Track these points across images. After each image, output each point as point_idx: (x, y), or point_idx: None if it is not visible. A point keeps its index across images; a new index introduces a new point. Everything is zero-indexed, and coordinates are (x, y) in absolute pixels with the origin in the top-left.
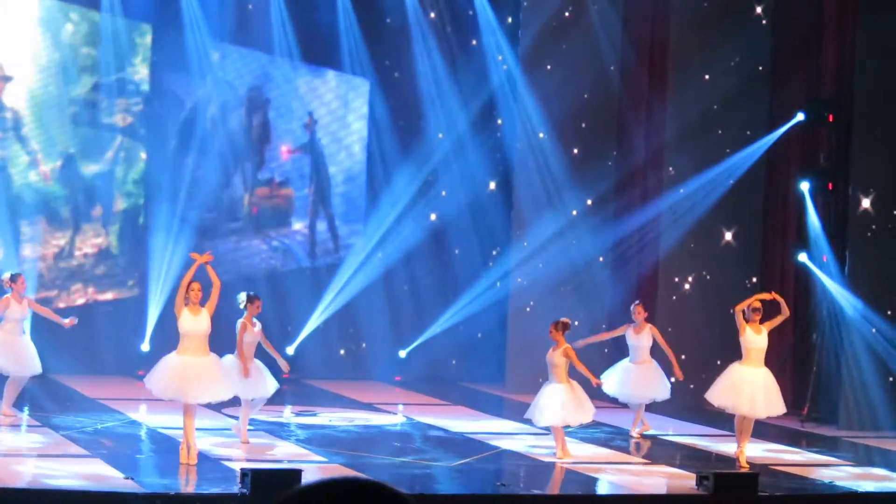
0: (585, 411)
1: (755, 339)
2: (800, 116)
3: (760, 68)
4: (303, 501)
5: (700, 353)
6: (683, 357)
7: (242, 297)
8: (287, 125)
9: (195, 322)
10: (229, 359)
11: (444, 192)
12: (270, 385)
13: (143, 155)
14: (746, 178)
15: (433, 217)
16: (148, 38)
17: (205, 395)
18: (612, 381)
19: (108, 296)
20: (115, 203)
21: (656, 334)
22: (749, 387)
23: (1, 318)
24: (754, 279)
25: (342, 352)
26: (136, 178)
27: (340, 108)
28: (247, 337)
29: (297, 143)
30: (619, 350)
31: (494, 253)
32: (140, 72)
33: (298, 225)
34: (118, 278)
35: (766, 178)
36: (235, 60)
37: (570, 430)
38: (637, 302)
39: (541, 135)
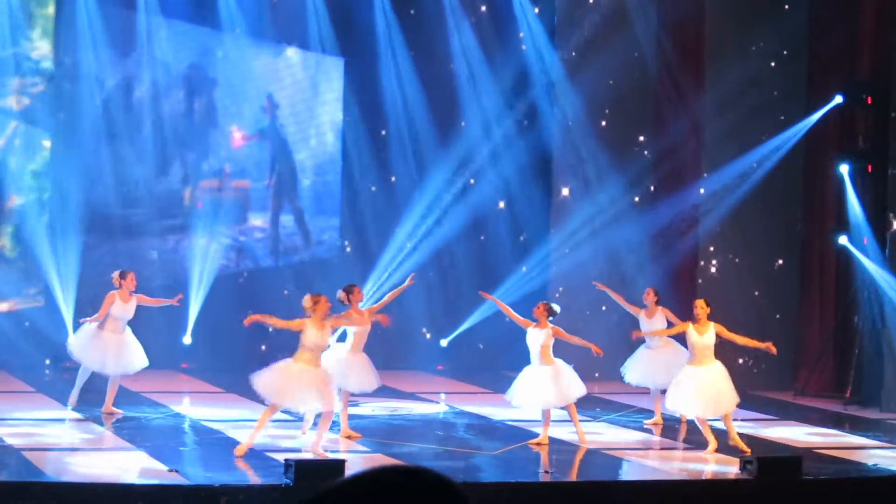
0: (573, 390)
1: (698, 338)
2: (838, 99)
3: (797, 52)
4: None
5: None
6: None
7: (341, 294)
8: (239, 108)
9: (320, 336)
10: (339, 351)
11: (472, 181)
12: (371, 380)
13: (47, 143)
14: (784, 162)
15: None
16: (50, 9)
17: (302, 404)
18: (635, 370)
19: (3, 307)
20: (8, 199)
21: (670, 316)
22: (702, 388)
23: (105, 316)
24: (780, 261)
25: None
26: (36, 170)
27: (308, 91)
28: (356, 327)
29: (254, 128)
30: (622, 334)
31: (521, 239)
32: (39, 47)
33: (257, 220)
34: (15, 286)
35: (805, 161)
36: (168, 34)
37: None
38: (650, 286)
39: (610, 124)
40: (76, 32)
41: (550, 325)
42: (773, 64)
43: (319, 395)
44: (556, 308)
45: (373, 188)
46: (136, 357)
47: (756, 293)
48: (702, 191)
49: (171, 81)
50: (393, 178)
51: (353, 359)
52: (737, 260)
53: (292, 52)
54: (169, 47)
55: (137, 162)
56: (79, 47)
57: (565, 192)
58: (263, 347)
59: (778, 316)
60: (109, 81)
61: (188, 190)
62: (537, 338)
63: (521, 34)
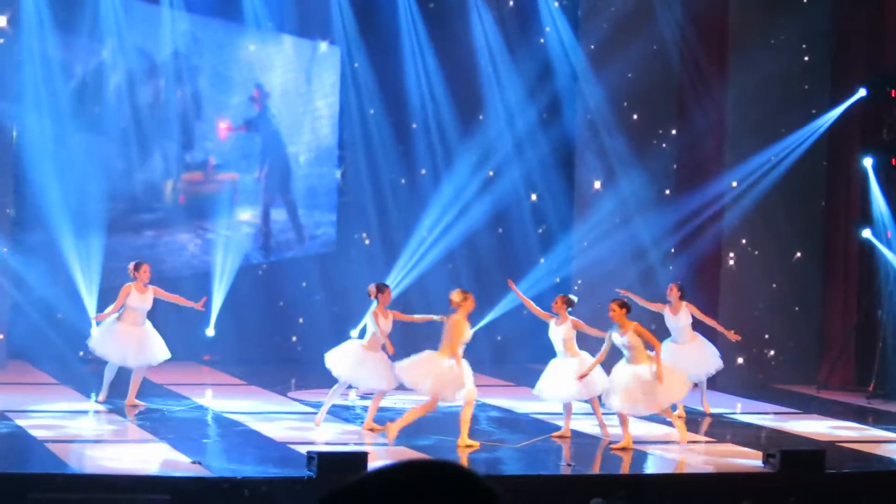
0: (597, 384)
1: (620, 338)
2: (861, 92)
3: (821, 44)
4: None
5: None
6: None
7: (372, 288)
8: (226, 98)
9: (385, 324)
10: (354, 344)
11: (490, 174)
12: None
13: (12, 134)
14: (807, 156)
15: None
16: None
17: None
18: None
19: None
20: None
21: (694, 311)
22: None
23: (122, 307)
24: (798, 254)
25: None
26: None
27: (302, 80)
28: (381, 325)
29: (241, 119)
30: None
31: (540, 231)
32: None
33: (246, 214)
34: None
35: (829, 154)
36: (146, 21)
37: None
38: (674, 282)
39: (634, 116)
40: (41, 15)
41: (571, 318)
42: (796, 56)
43: (458, 388)
44: (574, 298)
45: (403, 181)
46: (158, 349)
47: (774, 285)
48: (734, 184)
49: (150, 70)
50: (423, 171)
51: (368, 356)
52: (756, 252)
53: (285, 40)
54: (143, 33)
55: (116, 154)
56: (44, 30)
57: (597, 185)
58: (294, 339)
59: (797, 308)
60: (77, 69)
61: (169, 183)
62: (559, 332)
63: (546, 28)
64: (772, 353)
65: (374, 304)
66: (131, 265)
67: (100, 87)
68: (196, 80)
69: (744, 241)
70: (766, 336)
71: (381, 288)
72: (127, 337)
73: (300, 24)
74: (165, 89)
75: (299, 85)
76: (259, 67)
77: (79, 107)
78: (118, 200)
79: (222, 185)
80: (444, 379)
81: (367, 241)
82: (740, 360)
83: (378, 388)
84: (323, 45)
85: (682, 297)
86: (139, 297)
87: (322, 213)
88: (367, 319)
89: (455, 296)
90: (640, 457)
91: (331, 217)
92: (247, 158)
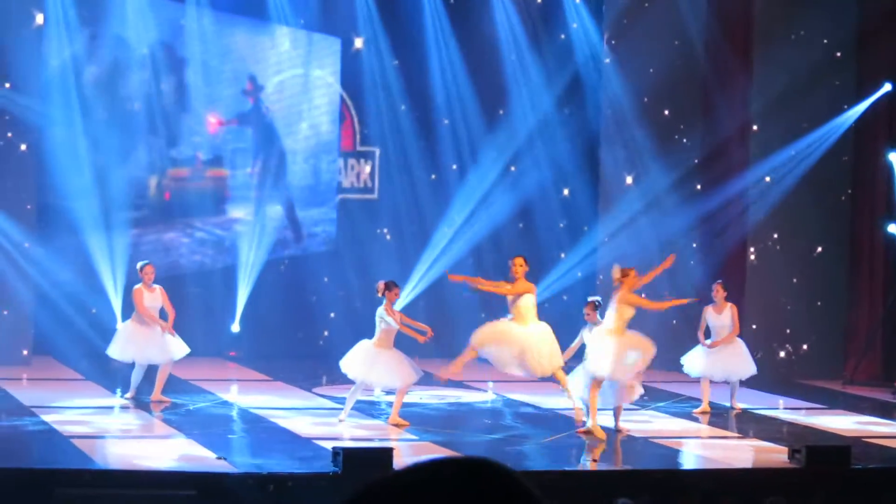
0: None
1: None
2: (887, 87)
3: (846, 39)
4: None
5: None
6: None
7: (380, 285)
8: (216, 91)
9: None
10: (365, 344)
11: (513, 168)
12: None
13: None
14: (833, 150)
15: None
16: None
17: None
18: (696, 362)
19: None
20: None
21: (734, 313)
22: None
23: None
24: (819, 248)
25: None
26: None
27: (299, 72)
28: (386, 324)
29: (233, 112)
30: (688, 324)
31: (561, 226)
32: None
33: (238, 212)
34: None
35: (853, 149)
36: (128, 9)
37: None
38: (718, 281)
39: (658, 110)
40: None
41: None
42: (821, 50)
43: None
44: (598, 299)
45: (433, 176)
46: (178, 345)
47: (795, 280)
48: (767, 179)
49: (132, 61)
50: (454, 167)
51: (381, 355)
52: (778, 247)
53: (280, 31)
54: (125, 22)
55: (96, 149)
56: (10, 20)
57: (621, 179)
58: (326, 333)
59: (819, 303)
60: (53, 60)
61: (154, 179)
62: (590, 338)
63: (573, 24)
64: (803, 347)
65: (384, 301)
66: (138, 266)
67: (77, 77)
68: (183, 71)
69: (770, 235)
70: (788, 331)
71: (391, 286)
72: (145, 336)
73: (324, 20)
74: (149, 81)
75: (296, 77)
76: (252, 59)
77: (52, 98)
78: (97, 197)
79: (212, 182)
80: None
81: (387, 237)
82: (782, 354)
83: (393, 386)
84: (358, 42)
85: (727, 298)
86: (150, 297)
87: (321, 209)
88: (379, 317)
89: (614, 273)
90: (666, 453)
91: (330, 214)
92: (239, 154)
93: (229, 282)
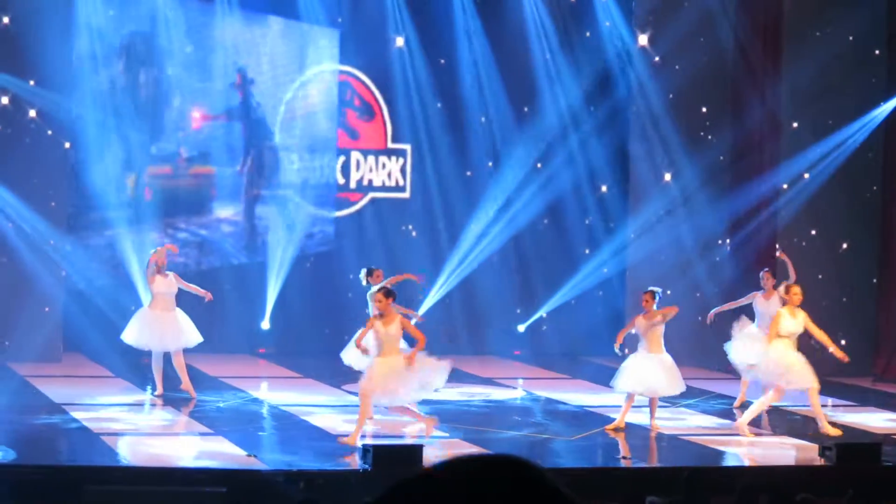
0: (672, 385)
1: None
2: None
3: (877, 35)
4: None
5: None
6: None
7: (363, 273)
8: (201, 85)
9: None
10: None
11: (538, 165)
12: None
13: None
14: (863, 147)
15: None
16: None
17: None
18: (741, 348)
19: None
20: None
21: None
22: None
23: (150, 295)
24: (845, 245)
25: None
26: None
27: (293, 65)
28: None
29: (221, 107)
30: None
31: (587, 223)
32: None
33: (226, 211)
34: None
35: (884, 146)
36: None
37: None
38: (766, 269)
39: (688, 108)
40: None
41: (658, 312)
42: (852, 46)
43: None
44: (658, 290)
45: (468, 173)
46: (192, 333)
47: (820, 276)
48: (806, 175)
49: (105, 52)
50: (490, 163)
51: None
52: (803, 243)
53: (274, 22)
54: (96, 11)
55: (65, 146)
56: None
57: (652, 177)
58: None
59: (845, 300)
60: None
61: (132, 177)
62: (644, 326)
63: (603, 21)
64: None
65: (371, 288)
66: (152, 251)
67: None
68: (164, 63)
69: (800, 232)
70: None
71: (371, 271)
72: (160, 322)
73: (354, 19)
74: (126, 72)
75: (290, 71)
76: (244, 52)
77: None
78: (81, 196)
79: (197, 180)
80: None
81: (413, 234)
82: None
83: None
84: (399, 40)
85: (775, 286)
86: (164, 283)
87: (319, 209)
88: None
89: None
90: (697, 450)
91: (329, 213)
92: (227, 150)
93: (260, 278)
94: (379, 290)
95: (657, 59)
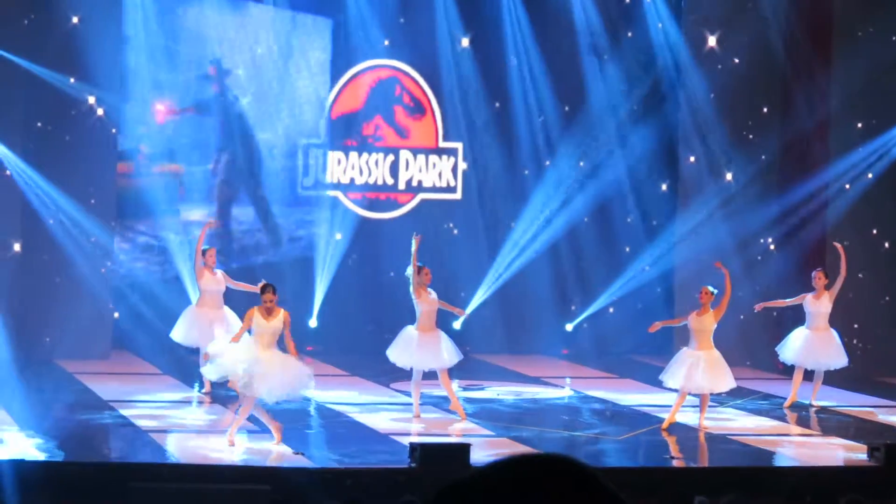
0: (721, 381)
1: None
2: None
3: None
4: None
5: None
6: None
7: (410, 270)
8: (167, 75)
9: (429, 300)
10: (409, 330)
11: (581, 163)
12: (449, 357)
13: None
14: None
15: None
16: None
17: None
18: (789, 348)
19: None
20: None
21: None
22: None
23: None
24: (887, 245)
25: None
26: None
27: (277, 56)
28: (423, 306)
29: (189, 100)
30: (792, 313)
31: (629, 220)
32: None
33: (195, 213)
34: None
35: None
36: None
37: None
38: (818, 269)
39: (738, 106)
40: None
41: (713, 310)
42: None
43: None
44: (714, 289)
45: (525, 172)
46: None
47: (861, 275)
48: (870, 175)
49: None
50: (547, 162)
51: (424, 338)
52: (846, 242)
53: (255, 10)
54: None
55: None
56: None
57: (700, 175)
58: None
59: (888, 298)
60: None
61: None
62: (699, 322)
63: (653, 22)
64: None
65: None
66: (201, 250)
67: None
68: (123, 52)
69: (846, 232)
70: (856, 325)
71: (419, 269)
72: (209, 320)
73: (408, 21)
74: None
75: (274, 62)
76: (219, 40)
77: None
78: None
79: (162, 179)
80: None
81: (454, 232)
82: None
83: (439, 366)
84: (465, 41)
85: (827, 286)
86: (212, 280)
87: (305, 211)
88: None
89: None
90: (745, 450)
91: (307, 217)
92: (197, 147)
93: (308, 276)
94: (269, 289)
95: (706, 58)
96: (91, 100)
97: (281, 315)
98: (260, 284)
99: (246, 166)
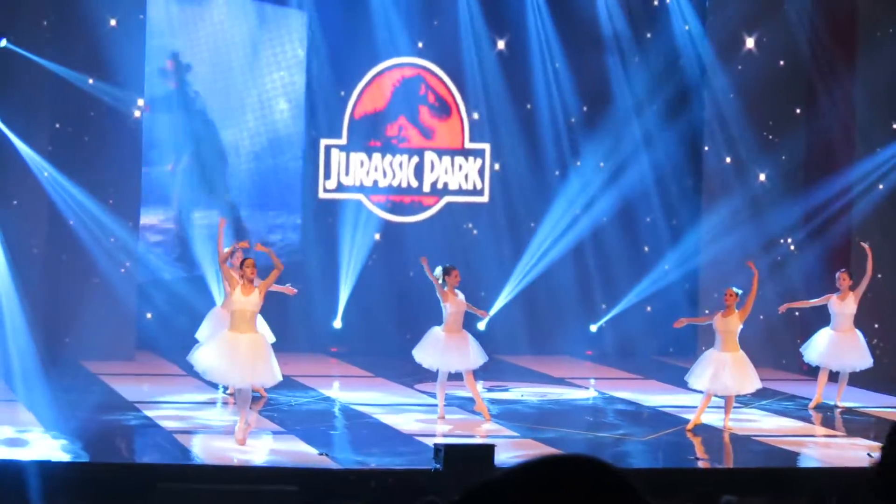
0: (747, 382)
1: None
2: None
3: None
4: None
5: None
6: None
7: (439, 270)
8: (116, 70)
9: (457, 302)
10: (436, 331)
11: (601, 164)
12: (475, 358)
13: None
14: None
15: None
16: None
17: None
18: (814, 349)
19: None
20: None
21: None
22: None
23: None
24: None
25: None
26: None
27: (246, 50)
28: (451, 308)
29: (146, 96)
30: (816, 314)
31: (648, 220)
32: None
33: (152, 217)
34: None
35: None
36: None
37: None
38: (843, 270)
39: (762, 107)
40: None
41: (738, 311)
42: None
43: None
44: (739, 291)
45: (556, 172)
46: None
47: (880, 275)
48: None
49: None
50: (578, 163)
51: (451, 339)
52: (860, 242)
53: (218, 2)
54: None
55: None
56: None
57: (725, 176)
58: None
59: None
60: None
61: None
62: (725, 323)
63: (678, 23)
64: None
65: (444, 287)
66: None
67: None
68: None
69: (873, 233)
70: (877, 325)
71: (448, 270)
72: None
73: (435, 23)
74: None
75: (243, 56)
76: (178, 33)
77: None
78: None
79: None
80: None
81: (474, 232)
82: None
83: (465, 367)
84: (501, 43)
85: (851, 287)
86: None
87: (279, 214)
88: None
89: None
90: (771, 451)
91: (293, 219)
92: (153, 146)
93: (329, 278)
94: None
95: (731, 59)
96: (140, 101)
97: (256, 292)
98: (237, 253)
99: (210, 168)
